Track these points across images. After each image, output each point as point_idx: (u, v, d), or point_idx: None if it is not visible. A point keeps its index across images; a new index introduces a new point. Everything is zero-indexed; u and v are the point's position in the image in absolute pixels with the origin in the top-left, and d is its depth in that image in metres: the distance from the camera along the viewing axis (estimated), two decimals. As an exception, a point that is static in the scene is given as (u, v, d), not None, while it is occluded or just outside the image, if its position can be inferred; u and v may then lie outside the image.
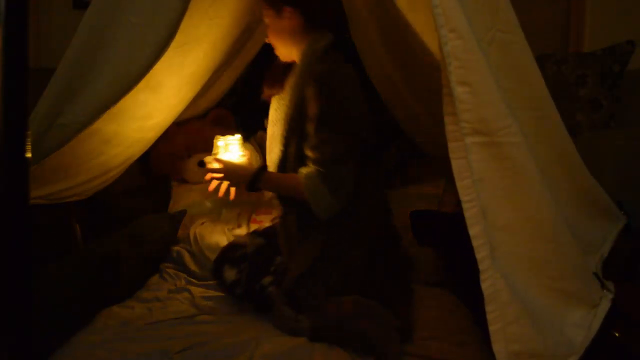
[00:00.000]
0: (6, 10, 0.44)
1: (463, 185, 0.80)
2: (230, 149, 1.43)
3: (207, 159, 1.43)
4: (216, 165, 1.38)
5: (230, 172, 1.37)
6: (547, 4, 2.28)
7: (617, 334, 0.97)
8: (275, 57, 1.44)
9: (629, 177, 1.84)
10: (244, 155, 1.43)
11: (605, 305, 0.95)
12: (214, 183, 1.38)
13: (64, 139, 1.29)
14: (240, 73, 2.27)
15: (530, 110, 0.87)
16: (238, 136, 1.46)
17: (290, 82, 1.37)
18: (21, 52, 0.47)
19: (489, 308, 0.82)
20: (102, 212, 1.65)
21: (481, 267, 0.81)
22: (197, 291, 1.48)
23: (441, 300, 1.40)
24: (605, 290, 0.99)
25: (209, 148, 2.11)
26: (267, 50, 1.42)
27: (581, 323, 0.90)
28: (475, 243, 0.81)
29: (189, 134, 2.21)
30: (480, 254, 0.81)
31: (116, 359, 1.08)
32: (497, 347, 0.82)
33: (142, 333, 1.20)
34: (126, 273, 1.43)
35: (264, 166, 1.38)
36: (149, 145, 1.79)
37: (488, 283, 0.81)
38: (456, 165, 0.81)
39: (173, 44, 1.24)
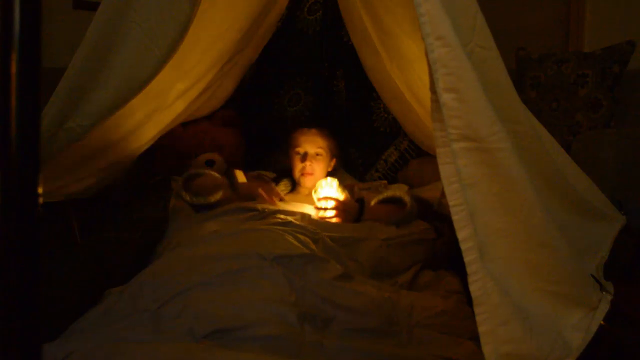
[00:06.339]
0: (21, 12, 0.44)
1: (451, 189, 0.81)
2: (332, 186, 1.74)
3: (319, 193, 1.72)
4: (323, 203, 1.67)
5: (345, 205, 1.68)
6: (547, 4, 2.29)
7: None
8: None
9: (629, 177, 1.84)
10: (343, 191, 1.77)
11: (604, 307, 0.95)
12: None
13: (70, 141, 1.30)
14: (243, 76, 2.29)
15: (511, 124, 0.88)
16: (335, 179, 1.79)
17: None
18: (35, 53, 0.47)
19: (478, 310, 0.82)
20: (102, 211, 1.67)
21: (469, 270, 0.82)
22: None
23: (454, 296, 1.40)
24: (604, 292, 0.99)
25: (215, 148, 2.14)
26: (268, 54, 1.45)
27: (579, 325, 0.90)
28: (463, 246, 0.82)
29: (196, 134, 2.24)
30: (469, 257, 0.82)
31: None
32: (487, 348, 0.82)
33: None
34: (123, 273, 1.45)
35: (361, 199, 1.73)
36: (147, 146, 1.80)
37: (477, 285, 0.82)
38: (444, 170, 0.82)
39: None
